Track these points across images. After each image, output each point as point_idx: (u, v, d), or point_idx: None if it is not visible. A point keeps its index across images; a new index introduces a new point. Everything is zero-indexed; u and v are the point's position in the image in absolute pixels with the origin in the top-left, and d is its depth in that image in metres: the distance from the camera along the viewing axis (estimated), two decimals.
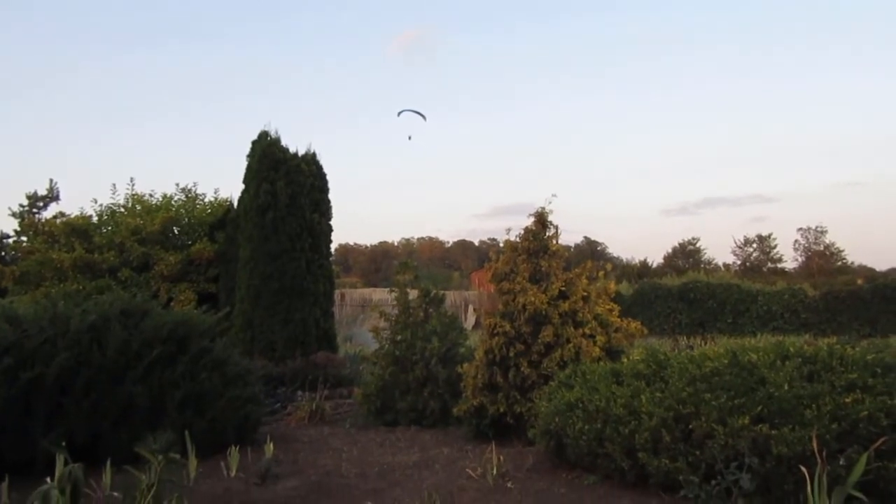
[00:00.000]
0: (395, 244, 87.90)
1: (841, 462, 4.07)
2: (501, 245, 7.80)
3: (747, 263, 54.92)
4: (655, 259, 58.28)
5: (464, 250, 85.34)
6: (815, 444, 4.01)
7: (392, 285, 9.27)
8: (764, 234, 56.61)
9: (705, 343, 16.31)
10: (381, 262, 75.90)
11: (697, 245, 58.42)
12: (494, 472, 5.49)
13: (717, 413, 4.63)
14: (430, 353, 8.06)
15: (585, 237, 67.94)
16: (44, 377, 5.92)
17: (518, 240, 7.46)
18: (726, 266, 53.30)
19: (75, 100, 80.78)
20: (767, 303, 24.37)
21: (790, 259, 55.28)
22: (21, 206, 18.98)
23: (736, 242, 56.67)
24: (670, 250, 58.84)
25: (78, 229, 15.09)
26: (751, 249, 56.55)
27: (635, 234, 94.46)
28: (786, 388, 4.58)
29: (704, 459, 4.57)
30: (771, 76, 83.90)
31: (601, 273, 7.85)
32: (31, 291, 14.14)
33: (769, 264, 54.94)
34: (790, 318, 23.90)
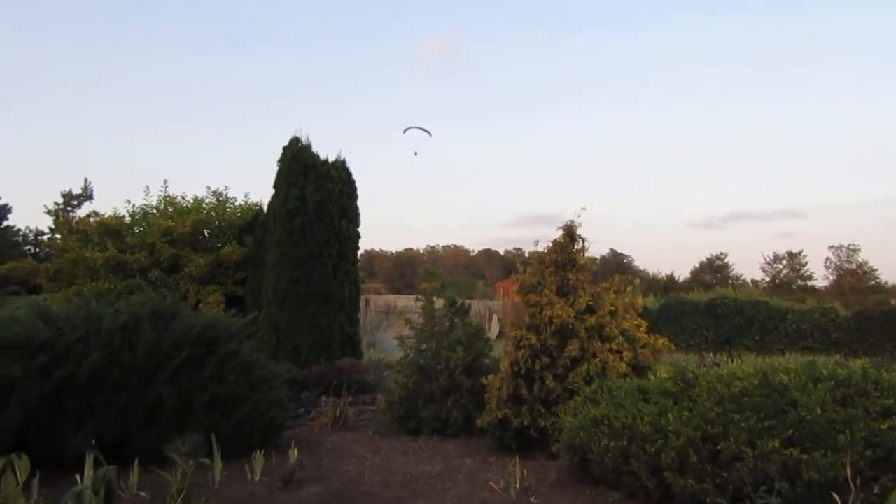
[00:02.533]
0: (420, 251, 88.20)
1: (875, 490, 4.00)
2: (528, 256, 7.78)
3: (776, 280, 54.00)
4: (682, 273, 57.63)
5: (488, 259, 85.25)
6: (848, 471, 3.93)
7: (416, 292, 9.30)
8: (794, 250, 55.68)
9: (732, 360, 16.05)
10: (405, 269, 76.04)
11: (725, 260, 57.65)
12: (517, 485, 5.47)
13: (747, 434, 4.57)
14: (454, 363, 8.05)
15: (612, 249, 67.43)
16: (76, 376, 6.03)
17: (546, 252, 7.44)
18: (754, 282, 52.54)
19: (113, 101, 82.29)
20: (797, 321, 23.90)
21: (821, 277, 54.25)
22: (56, 203, 19.45)
23: (765, 259, 55.74)
24: (697, 265, 58.08)
25: (111, 229, 15.39)
26: (780, 266, 55.62)
27: (661, 246, 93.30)
28: (818, 411, 4.51)
29: (732, 482, 4.51)
30: (801, 89, 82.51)
31: (629, 288, 7.78)
32: (64, 289, 14.44)
33: (799, 282, 53.93)
34: (820, 337, 23.41)
